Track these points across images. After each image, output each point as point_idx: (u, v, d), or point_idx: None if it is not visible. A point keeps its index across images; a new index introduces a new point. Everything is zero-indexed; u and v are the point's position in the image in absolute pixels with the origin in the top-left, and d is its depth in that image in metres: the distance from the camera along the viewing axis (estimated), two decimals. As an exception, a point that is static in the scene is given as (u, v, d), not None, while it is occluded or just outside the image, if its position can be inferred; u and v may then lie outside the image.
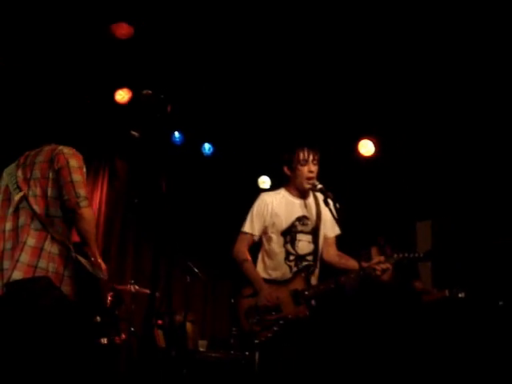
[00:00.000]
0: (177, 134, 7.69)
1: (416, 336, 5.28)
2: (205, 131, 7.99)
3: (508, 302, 5.40)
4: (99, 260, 3.29)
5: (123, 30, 6.01)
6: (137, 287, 6.38)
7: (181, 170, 7.42)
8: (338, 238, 4.13)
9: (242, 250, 4.02)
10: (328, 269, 4.14)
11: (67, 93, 6.31)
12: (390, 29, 5.75)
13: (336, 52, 6.16)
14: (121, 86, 7.00)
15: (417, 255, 3.83)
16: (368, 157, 7.27)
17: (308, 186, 3.98)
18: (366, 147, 7.28)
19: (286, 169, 4.07)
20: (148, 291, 6.21)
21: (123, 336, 5.93)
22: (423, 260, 3.90)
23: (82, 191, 3.22)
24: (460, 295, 5.50)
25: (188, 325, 6.68)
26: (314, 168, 3.98)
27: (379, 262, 3.80)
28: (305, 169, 3.96)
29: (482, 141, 6.54)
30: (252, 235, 4.01)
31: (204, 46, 6.31)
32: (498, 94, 6.11)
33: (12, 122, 6.46)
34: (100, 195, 7.66)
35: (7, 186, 3.33)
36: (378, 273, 3.77)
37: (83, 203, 3.20)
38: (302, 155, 3.96)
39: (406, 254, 3.82)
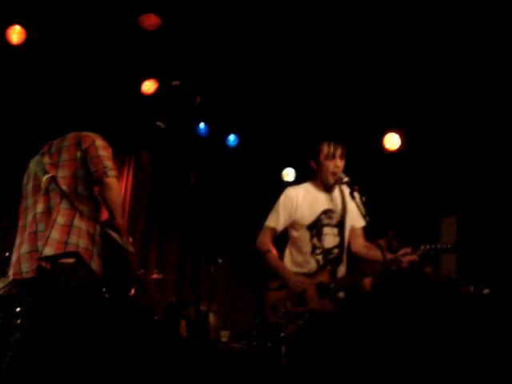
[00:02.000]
0: (202, 125, 7.70)
1: (440, 332, 5.25)
2: (229, 123, 8.00)
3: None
4: (126, 233, 3.32)
5: (151, 20, 6.04)
6: (160, 275, 6.43)
7: (205, 162, 7.44)
8: (365, 228, 4.10)
9: (265, 241, 4.02)
10: (355, 260, 4.13)
11: (95, 83, 6.37)
12: (416, 22, 5.71)
13: (362, 44, 6.14)
14: (147, 77, 7.04)
15: (444, 246, 3.76)
16: (393, 151, 7.22)
17: (333, 181, 3.95)
18: (392, 141, 7.23)
19: (311, 162, 4.04)
20: (172, 277, 6.28)
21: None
22: (450, 251, 3.83)
23: (110, 163, 3.26)
24: (485, 291, 5.45)
25: (211, 315, 6.72)
26: (341, 163, 3.94)
27: (405, 254, 3.75)
28: (331, 163, 3.92)
29: (509, 136, 6.47)
30: (275, 229, 4.00)
31: (230, 38, 6.32)
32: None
33: (39, 112, 6.54)
34: (125, 185, 7.73)
35: (36, 174, 3.37)
36: (404, 265, 3.72)
37: (110, 173, 3.23)
38: (328, 149, 3.92)
39: (434, 245, 3.76)
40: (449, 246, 3.78)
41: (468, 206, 7.11)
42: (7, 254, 5.07)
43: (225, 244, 8.01)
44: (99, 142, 3.32)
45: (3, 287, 4.41)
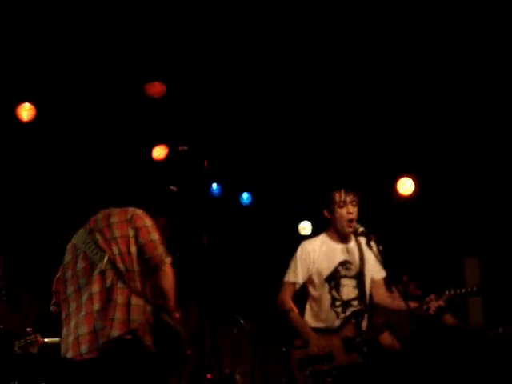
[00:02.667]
0: (215, 185, 7.73)
1: (468, 376, 5.08)
2: (242, 180, 8.02)
3: None
4: (177, 315, 3.41)
5: (156, 88, 6.16)
6: None
7: (220, 222, 7.42)
8: (386, 279, 4.05)
9: (286, 299, 4.00)
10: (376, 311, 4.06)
11: (106, 152, 6.45)
12: (432, 70, 5.75)
13: (374, 90, 6.18)
14: (157, 143, 7.12)
15: (469, 290, 3.68)
16: (408, 195, 7.17)
17: (349, 230, 3.93)
18: (406, 186, 7.18)
19: (325, 212, 4.04)
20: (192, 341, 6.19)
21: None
22: (476, 295, 3.75)
23: (163, 249, 3.37)
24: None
25: (237, 377, 6.59)
26: (354, 209, 3.94)
27: (431, 301, 3.69)
28: (343, 211, 3.93)
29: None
30: (295, 284, 4.00)
31: (236, 100, 6.41)
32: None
33: (51, 187, 6.61)
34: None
35: (86, 253, 3.34)
36: (432, 312, 3.66)
37: (166, 260, 3.34)
38: (339, 197, 3.94)
39: (459, 290, 3.68)
40: (474, 289, 3.71)
41: (490, 245, 7.01)
42: (28, 329, 5.04)
43: (245, 303, 7.91)
44: (148, 223, 3.40)
45: (19, 346, 4.36)
